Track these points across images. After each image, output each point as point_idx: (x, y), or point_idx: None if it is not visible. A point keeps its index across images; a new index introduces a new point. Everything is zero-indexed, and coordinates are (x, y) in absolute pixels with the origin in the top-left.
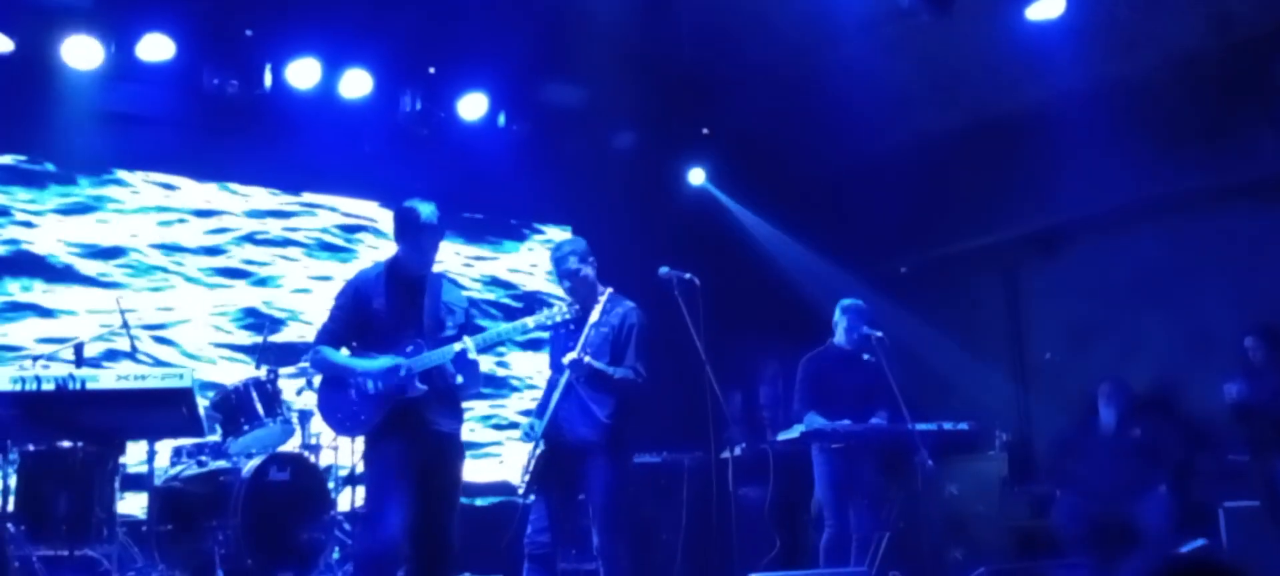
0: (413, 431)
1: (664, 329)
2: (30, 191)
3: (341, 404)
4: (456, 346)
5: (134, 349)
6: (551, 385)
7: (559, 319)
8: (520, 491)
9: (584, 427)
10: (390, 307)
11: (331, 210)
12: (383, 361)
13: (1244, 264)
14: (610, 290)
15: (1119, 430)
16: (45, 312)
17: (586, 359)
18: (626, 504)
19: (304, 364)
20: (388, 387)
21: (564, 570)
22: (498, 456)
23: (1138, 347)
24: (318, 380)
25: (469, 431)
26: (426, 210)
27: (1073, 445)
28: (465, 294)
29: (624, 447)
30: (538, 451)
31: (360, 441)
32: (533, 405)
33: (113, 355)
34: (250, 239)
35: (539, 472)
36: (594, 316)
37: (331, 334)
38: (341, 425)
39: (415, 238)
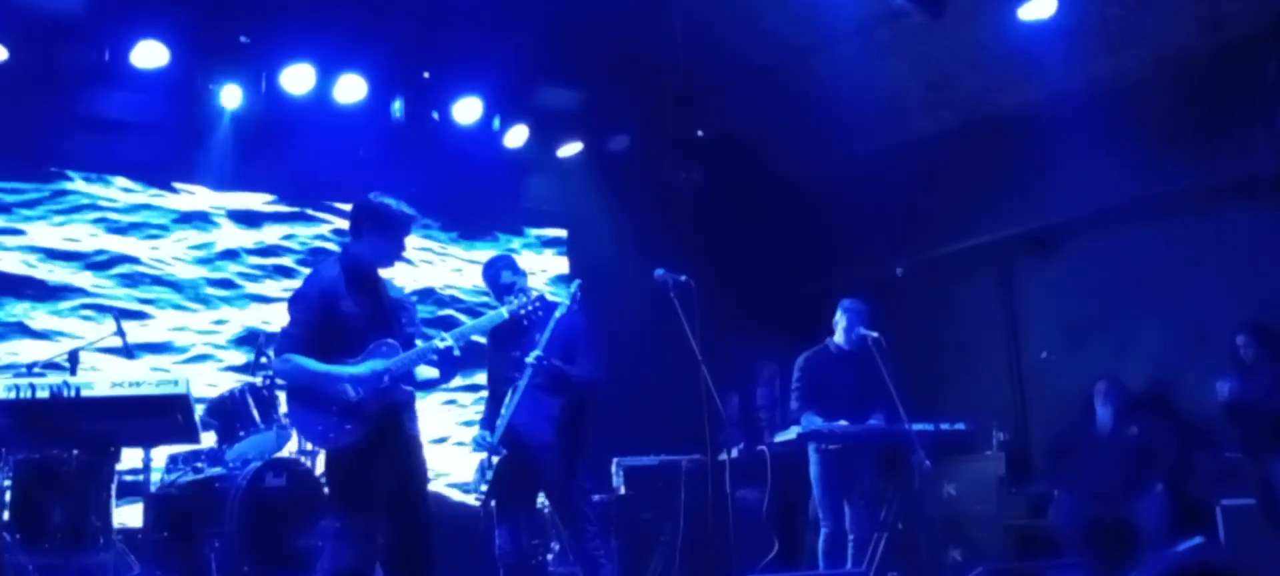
0: (392, 437)
1: (659, 331)
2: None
3: (320, 415)
4: (439, 343)
5: (131, 357)
6: (498, 393)
7: (527, 309)
8: (477, 499)
9: (543, 429)
10: (358, 309)
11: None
12: (362, 367)
13: (1238, 262)
14: (541, 294)
15: (1115, 429)
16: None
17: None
18: (590, 501)
19: (264, 374)
20: (369, 393)
21: (557, 574)
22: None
23: (1133, 346)
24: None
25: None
26: (397, 204)
27: (1070, 444)
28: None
29: (582, 448)
30: (495, 459)
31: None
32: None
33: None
34: (233, 255)
35: (500, 481)
36: (549, 327)
37: (299, 341)
38: (323, 437)
39: (389, 233)
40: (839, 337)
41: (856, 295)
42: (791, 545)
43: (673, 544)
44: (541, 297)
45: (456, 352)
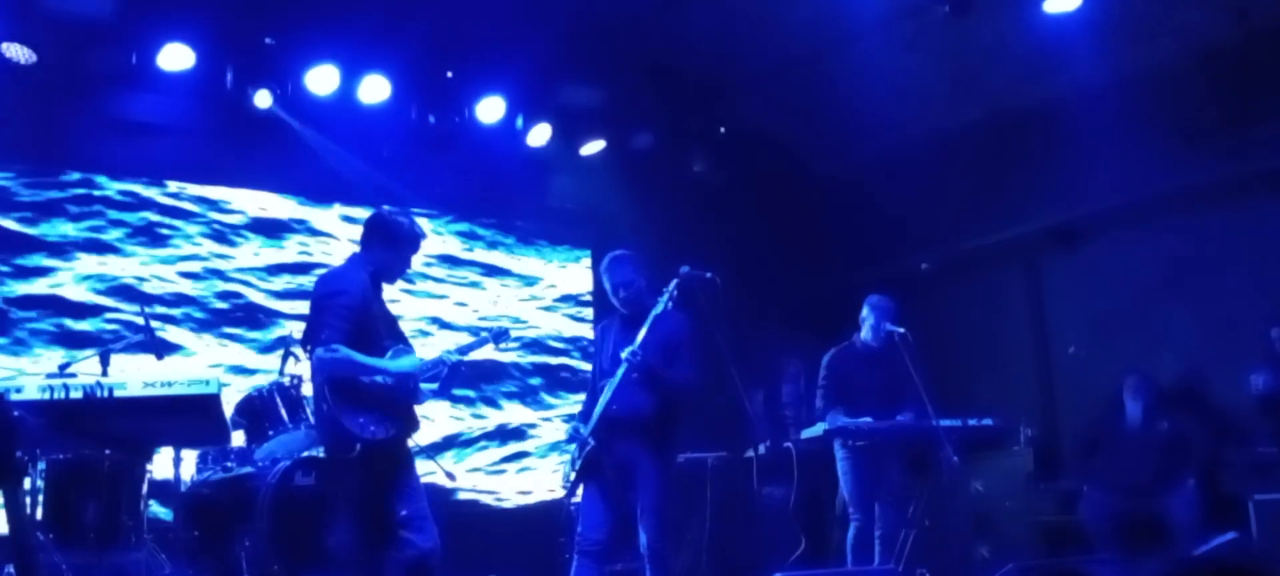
0: (412, 436)
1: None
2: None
3: (361, 408)
4: (447, 359)
5: (160, 356)
6: (598, 385)
7: (500, 332)
8: (564, 492)
9: (636, 424)
10: (382, 313)
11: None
12: (404, 362)
13: (1268, 254)
14: (668, 298)
15: (1146, 424)
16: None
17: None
18: (674, 505)
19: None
20: (404, 390)
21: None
22: None
23: (1162, 340)
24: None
25: None
26: (409, 222)
27: (1099, 440)
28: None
29: (672, 448)
30: (587, 448)
31: None
32: None
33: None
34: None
35: (589, 468)
36: (657, 308)
37: (344, 334)
38: (363, 428)
39: (398, 249)
40: (866, 334)
41: (882, 291)
42: (819, 542)
43: (700, 541)
44: (628, 314)
45: (462, 369)
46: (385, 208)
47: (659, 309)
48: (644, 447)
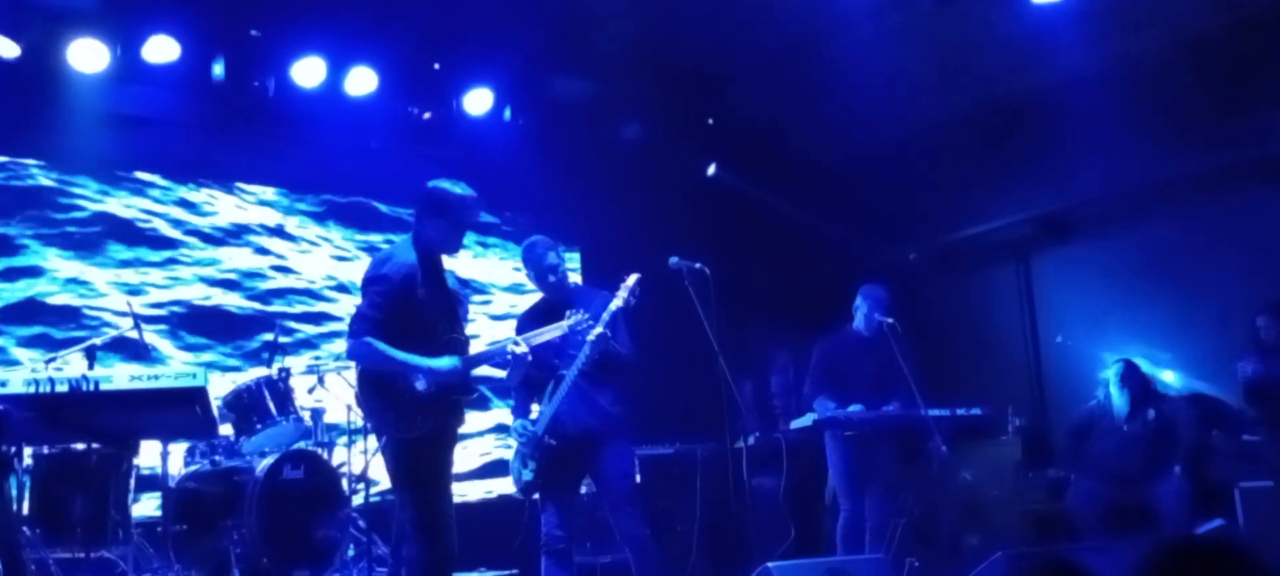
0: (453, 434)
1: (675, 319)
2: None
3: (390, 404)
4: (511, 348)
5: (147, 349)
6: (537, 382)
7: (584, 325)
8: (519, 492)
9: (591, 420)
10: (431, 298)
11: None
12: (442, 361)
13: (1256, 243)
14: (629, 295)
15: (1133, 412)
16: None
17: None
18: (635, 487)
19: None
20: (438, 388)
21: (580, 563)
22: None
23: (1150, 329)
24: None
25: None
26: (460, 188)
27: (1087, 428)
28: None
29: (631, 431)
30: (543, 449)
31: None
32: None
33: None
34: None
35: (547, 470)
36: (603, 320)
37: (376, 325)
38: (392, 426)
39: (453, 218)
40: (858, 323)
41: (872, 281)
42: (809, 531)
43: (690, 532)
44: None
45: (530, 358)
46: (432, 181)
47: (616, 303)
48: (603, 441)
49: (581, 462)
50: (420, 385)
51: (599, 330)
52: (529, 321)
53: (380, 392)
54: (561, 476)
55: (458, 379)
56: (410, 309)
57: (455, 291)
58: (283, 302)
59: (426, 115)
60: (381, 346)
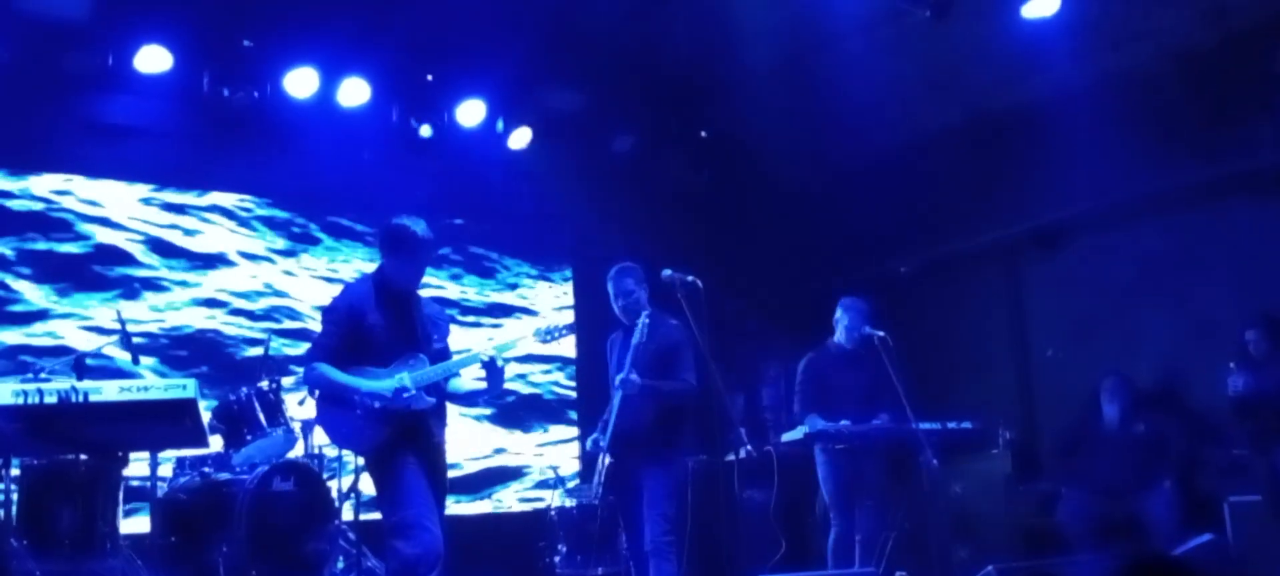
0: (421, 442)
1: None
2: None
3: (345, 420)
4: (483, 356)
5: (136, 360)
6: (612, 395)
7: (561, 329)
8: (595, 497)
9: (639, 437)
10: (385, 323)
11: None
12: (386, 383)
13: (1245, 255)
14: (649, 311)
15: (1123, 425)
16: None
17: (634, 377)
18: (680, 506)
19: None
20: (393, 406)
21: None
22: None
23: (1140, 342)
24: (312, 396)
25: None
26: (418, 227)
27: (1077, 441)
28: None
29: (675, 452)
30: (606, 463)
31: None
32: None
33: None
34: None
35: (612, 483)
36: (635, 337)
37: (328, 350)
38: (347, 440)
39: (409, 255)
40: (840, 336)
41: (862, 294)
42: (800, 545)
43: (680, 545)
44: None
45: (500, 363)
46: (395, 217)
47: (636, 338)
48: (648, 456)
49: (634, 477)
50: (376, 405)
51: (621, 376)
52: (609, 344)
53: (335, 409)
54: (623, 490)
55: (404, 398)
56: (359, 334)
57: (431, 315)
58: (272, 322)
59: (424, 129)
60: (326, 369)
